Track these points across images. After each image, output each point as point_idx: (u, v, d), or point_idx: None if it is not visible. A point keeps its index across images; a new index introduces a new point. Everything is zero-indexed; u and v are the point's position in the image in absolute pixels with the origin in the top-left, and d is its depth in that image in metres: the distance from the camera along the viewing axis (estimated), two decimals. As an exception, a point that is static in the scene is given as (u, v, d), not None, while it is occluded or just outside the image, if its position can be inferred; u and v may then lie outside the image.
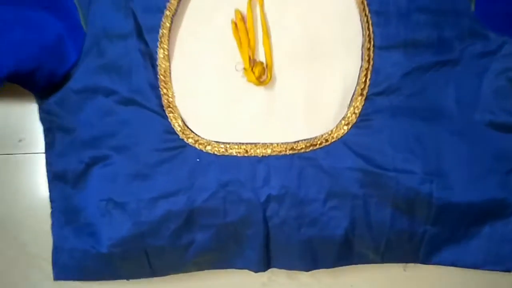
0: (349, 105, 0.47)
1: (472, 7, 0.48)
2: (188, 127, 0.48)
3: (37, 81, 0.50)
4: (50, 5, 0.53)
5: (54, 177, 0.51)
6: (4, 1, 0.51)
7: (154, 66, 0.48)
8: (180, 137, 0.47)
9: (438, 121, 0.47)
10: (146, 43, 0.49)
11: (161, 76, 0.48)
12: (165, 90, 0.48)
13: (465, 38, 0.47)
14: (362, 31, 0.48)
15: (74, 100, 0.50)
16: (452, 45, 0.47)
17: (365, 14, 0.47)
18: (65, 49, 0.52)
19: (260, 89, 0.48)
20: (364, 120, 0.46)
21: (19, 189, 0.56)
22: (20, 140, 0.57)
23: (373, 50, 0.47)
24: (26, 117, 0.56)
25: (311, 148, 0.46)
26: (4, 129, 0.57)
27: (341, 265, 0.50)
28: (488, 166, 0.47)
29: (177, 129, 0.48)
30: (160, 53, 0.48)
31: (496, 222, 0.48)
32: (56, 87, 0.51)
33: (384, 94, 0.47)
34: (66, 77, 0.51)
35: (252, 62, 0.48)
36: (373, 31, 0.47)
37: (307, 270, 0.51)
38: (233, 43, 0.48)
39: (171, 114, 0.48)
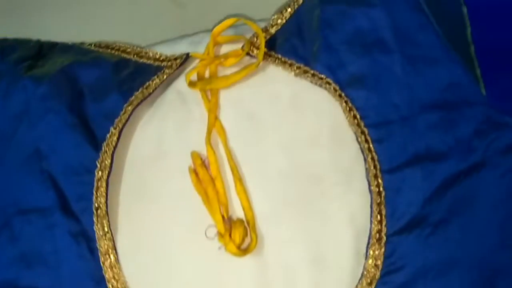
0: (366, 256, 0.35)
1: (483, 90, 0.39)
2: None
3: None
4: None
5: None
6: None
7: (92, 250, 0.35)
8: None
9: (478, 241, 0.35)
10: (76, 219, 0.35)
11: (105, 264, 0.34)
12: (114, 283, 0.34)
13: (485, 132, 0.37)
14: (362, 153, 0.36)
15: None
16: (471, 144, 0.37)
17: (361, 131, 0.36)
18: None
19: (246, 259, 0.34)
20: (390, 272, 0.34)
21: None
22: None
23: (381, 176, 0.35)
24: None
25: None
26: None
27: None
28: None
29: None
30: (99, 231, 0.35)
31: None
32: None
33: (407, 231, 0.35)
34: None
35: (228, 222, 0.34)
36: (375, 151, 0.36)
37: None
38: (197, 198, 0.35)
39: None
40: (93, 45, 0.43)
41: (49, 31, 0.45)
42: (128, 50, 0.41)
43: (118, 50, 0.41)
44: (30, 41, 0.43)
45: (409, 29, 0.38)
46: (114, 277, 0.34)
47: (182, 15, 0.47)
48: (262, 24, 0.41)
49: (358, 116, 0.36)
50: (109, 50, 0.41)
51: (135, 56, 0.40)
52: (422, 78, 0.37)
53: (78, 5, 0.48)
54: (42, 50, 0.42)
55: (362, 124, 0.36)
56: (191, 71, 0.38)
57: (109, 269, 0.34)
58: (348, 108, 0.36)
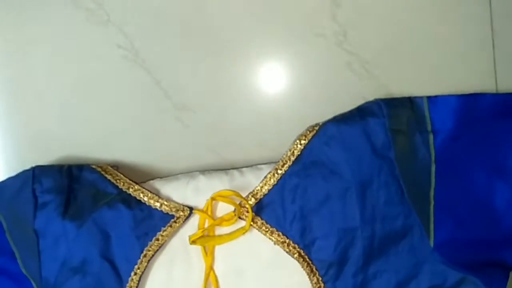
0: None
1: (431, 243, 0.49)
2: None
3: None
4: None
5: None
6: None
7: None
8: None
9: None
10: None
11: None
12: None
13: (424, 282, 0.49)
14: None
15: None
16: None
17: None
18: None
19: None
20: None
21: None
22: None
23: None
24: None
25: None
26: None
27: None
28: None
29: None
30: None
31: None
32: None
33: None
34: None
35: None
36: None
37: None
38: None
39: None
40: (112, 174, 0.52)
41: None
42: (143, 191, 0.50)
43: (135, 189, 0.51)
44: (60, 169, 0.52)
45: (377, 196, 0.48)
46: None
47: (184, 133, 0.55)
48: (254, 178, 0.50)
49: (319, 279, 0.48)
50: (127, 188, 0.51)
51: (149, 200, 0.50)
52: (378, 240, 0.48)
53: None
54: (72, 178, 0.51)
55: (322, 286, 0.48)
56: (193, 235, 0.48)
57: None
58: (312, 273, 0.48)
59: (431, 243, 0.49)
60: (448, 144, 0.50)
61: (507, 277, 0.50)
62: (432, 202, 0.49)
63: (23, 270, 0.52)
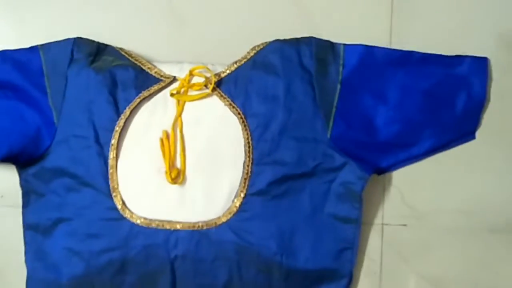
0: (233, 200, 0.72)
1: (328, 135, 0.73)
2: (126, 206, 0.72)
3: (19, 160, 0.73)
4: (28, 101, 0.75)
5: (28, 227, 0.74)
6: None
7: (106, 163, 0.72)
8: (120, 213, 0.71)
9: (295, 212, 0.72)
10: (101, 147, 0.72)
11: (110, 170, 0.72)
12: (112, 180, 0.72)
13: (318, 157, 0.73)
14: (245, 152, 0.72)
15: (46, 175, 0.73)
16: (307, 163, 0.72)
17: (248, 143, 0.72)
18: (41, 136, 0.74)
19: (176, 186, 0.72)
20: (242, 211, 0.71)
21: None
22: (1, 196, 0.78)
23: (251, 166, 0.72)
24: (8, 177, 0.77)
25: (205, 227, 0.71)
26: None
27: None
28: (327, 245, 0.73)
29: (119, 207, 0.71)
30: (111, 155, 0.72)
31: (330, 285, 0.74)
32: (32, 162, 0.73)
33: (256, 195, 0.72)
34: (41, 157, 0.73)
35: (171, 168, 0.72)
36: (252, 153, 0.72)
37: None
38: (160, 154, 0.72)
39: (115, 197, 0.72)
40: (127, 52, 0.78)
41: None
42: (145, 63, 0.76)
43: (140, 62, 0.76)
44: (93, 42, 0.78)
45: (297, 92, 0.73)
46: (112, 178, 0.72)
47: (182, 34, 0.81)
48: (221, 68, 0.75)
49: (249, 134, 0.72)
50: (135, 61, 0.76)
51: (148, 69, 0.75)
52: (292, 120, 0.73)
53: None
54: (99, 49, 0.77)
55: (250, 138, 0.72)
56: (174, 88, 0.73)
57: (111, 174, 0.72)
58: (245, 129, 0.72)
59: (328, 135, 0.74)
60: (351, 74, 0.76)
61: (372, 172, 0.75)
62: (334, 109, 0.75)
63: (50, 103, 0.75)
